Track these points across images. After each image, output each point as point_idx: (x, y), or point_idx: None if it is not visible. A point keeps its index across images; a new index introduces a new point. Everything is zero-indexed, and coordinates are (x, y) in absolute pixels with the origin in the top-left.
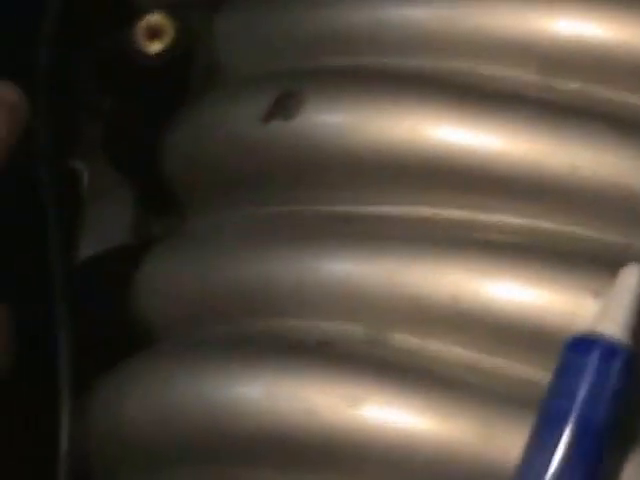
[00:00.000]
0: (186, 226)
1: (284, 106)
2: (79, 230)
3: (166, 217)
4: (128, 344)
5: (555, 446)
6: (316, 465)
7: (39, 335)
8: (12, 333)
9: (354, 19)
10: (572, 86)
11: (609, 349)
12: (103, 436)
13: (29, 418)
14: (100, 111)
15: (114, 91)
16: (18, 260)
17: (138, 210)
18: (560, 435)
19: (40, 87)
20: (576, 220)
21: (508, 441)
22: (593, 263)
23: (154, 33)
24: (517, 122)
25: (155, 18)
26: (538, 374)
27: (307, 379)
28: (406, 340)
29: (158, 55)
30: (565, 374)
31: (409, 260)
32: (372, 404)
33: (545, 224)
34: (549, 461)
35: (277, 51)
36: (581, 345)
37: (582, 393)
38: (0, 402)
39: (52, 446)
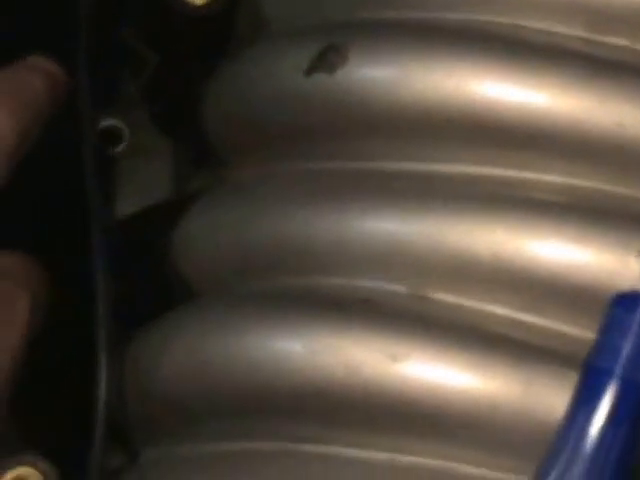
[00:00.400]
0: (227, 180)
1: (328, 59)
2: (119, 187)
3: (206, 172)
4: (167, 299)
5: (599, 403)
6: (356, 420)
7: (78, 290)
8: (49, 287)
9: None
10: (620, 43)
11: None
12: (141, 390)
13: (66, 372)
14: (141, 66)
15: (156, 45)
16: (58, 215)
17: (178, 166)
18: (604, 392)
19: (81, 43)
20: (621, 179)
21: (550, 397)
22: (637, 222)
23: None
24: (564, 79)
25: None
26: (580, 332)
27: (348, 335)
28: (447, 298)
29: (203, 6)
30: (610, 331)
31: (452, 218)
32: (413, 360)
33: (589, 183)
34: (592, 418)
35: (322, 4)
36: (626, 302)
37: (627, 350)
38: (38, 356)
39: (89, 399)
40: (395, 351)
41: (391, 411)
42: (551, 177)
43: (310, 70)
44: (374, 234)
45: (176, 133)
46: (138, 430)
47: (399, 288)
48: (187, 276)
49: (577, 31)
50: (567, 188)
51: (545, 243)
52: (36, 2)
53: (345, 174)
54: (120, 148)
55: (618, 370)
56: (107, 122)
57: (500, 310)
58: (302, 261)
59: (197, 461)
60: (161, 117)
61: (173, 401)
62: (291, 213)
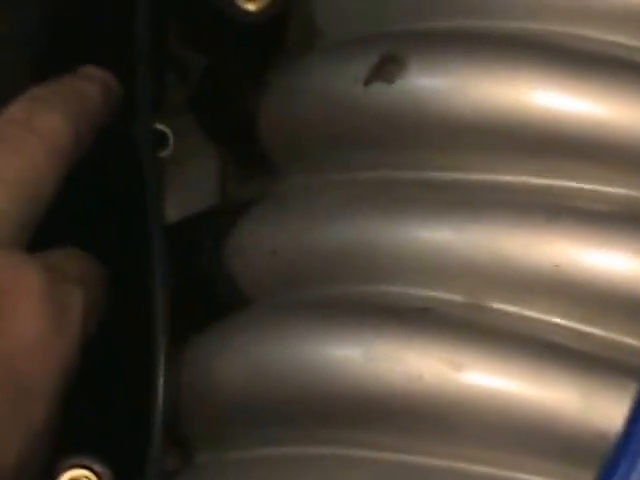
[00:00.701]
0: (280, 188)
1: (386, 69)
2: (165, 193)
3: (255, 179)
4: (222, 304)
5: None
6: (415, 427)
7: (135, 291)
8: (107, 287)
9: None
10: None
11: None
12: (198, 394)
13: (123, 374)
14: (188, 72)
15: (207, 50)
16: (116, 216)
17: (223, 173)
18: None
19: (139, 52)
20: None
21: (609, 408)
22: None
23: None
24: (623, 89)
25: None
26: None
27: (407, 343)
28: (507, 308)
29: (255, 12)
30: None
31: (510, 228)
32: (473, 369)
33: None
34: None
35: (377, 14)
36: None
37: None
38: (95, 357)
39: (146, 402)
40: (456, 360)
41: (452, 419)
42: (612, 189)
43: (369, 80)
44: (433, 243)
45: (225, 140)
46: (194, 434)
47: (458, 297)
48: (242, 283)
49: (633, 41)
50: (627, 199)
51: (606, 254)
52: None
53: (403, 184)
54: (165, 153)
55: None
56: (157, 127)
57: (560, 320)
58: (361, 270)
59: (251, 465)
60: (208, 124)
61: (229, 406)
62: (349, 222)
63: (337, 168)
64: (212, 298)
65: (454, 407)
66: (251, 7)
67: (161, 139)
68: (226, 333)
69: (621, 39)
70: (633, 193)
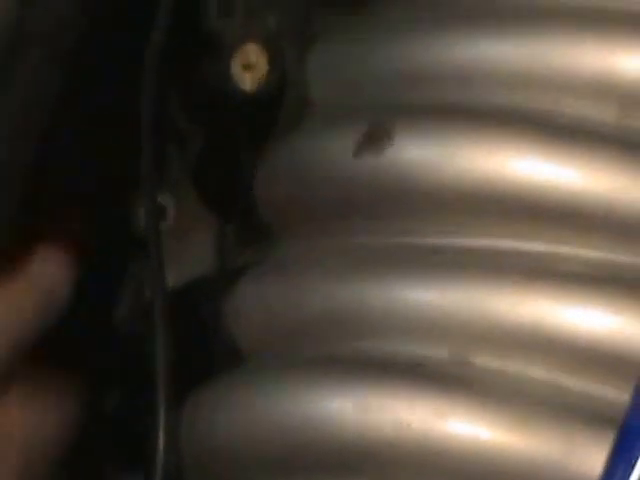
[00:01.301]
0: (276, 253)
1: (374, 141)
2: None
3: (251, 247)
4: (219, 363)
5: (634, 462)
6: (403, 473)
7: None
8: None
9: (442, 58)
10: None
11: None
12: (198, 448)
13: (125, 426)
14: (187, 144)
15: (205, 123)
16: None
17: (222, 240)
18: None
19: (145, 131)
20: None
21: (590, 458)
22: None
23: (248, 65)
24: (598, 159)
25: (249, 49)
26: (616, 394)
27: (396, 395)
28: (489, 362)
29: (251, 87)
30: None
31: (493, 289)
32: (458, 419)
33: (622, 257)
34: (629, 476)
35: (366, 86)
36: None
37: None
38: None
39: (148, 454)
40: (441, 410)
41: (437, 466)
42: (587, 251)
43: (358, 151)
44: (420, 304)
45: (223, 210)
46: None
47: (443, 353)
48: (238, 342)
49: (611, 113)
50: (602, 261)
51: (583, 312)
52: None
53: (391, 248)
54: (166, 224)
55: None
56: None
57: (541, 373)
58: (352, 328)
59: None
60: (207, 194)
61: (227, 457)
62: (342, 284)
63: (331, 234)
64: (210, 357)
65: (437, 454)
66: (246, 80)
67: (161, 211)
68: (223, 390)
69: (594, 112)
70: (606, 256)
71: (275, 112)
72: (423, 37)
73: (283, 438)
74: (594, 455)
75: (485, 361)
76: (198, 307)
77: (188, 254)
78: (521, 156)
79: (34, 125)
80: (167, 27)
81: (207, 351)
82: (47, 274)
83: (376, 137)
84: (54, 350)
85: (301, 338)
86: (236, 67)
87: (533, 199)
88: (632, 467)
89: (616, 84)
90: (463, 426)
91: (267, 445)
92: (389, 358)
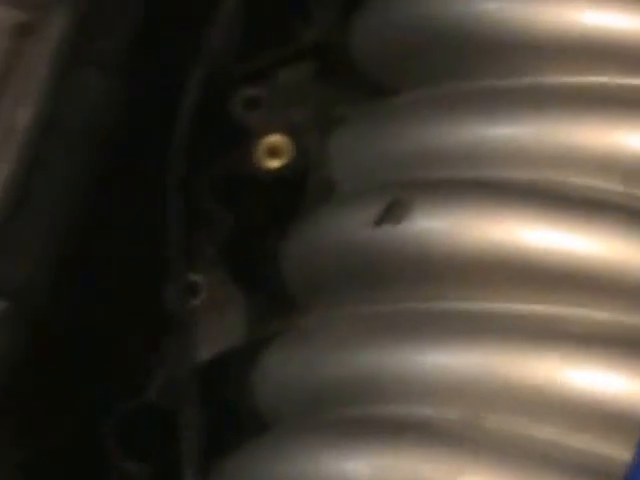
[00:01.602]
0: (301, 322)
1: (394, 213)
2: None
3: (278, 317)
4: (243, 431)
5: None
6: None
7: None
8: None
9: (453, 138)
10: None
11: None
12: None
13: None
14: (218, 227)
15: (232, 207)
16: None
17: (250, 314)
18: None
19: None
20: None
21: None
22: None
23: (273, 152)
24: (605, 228)
25: (275, 138)
26: (620, 452)
27: (409, 455)
28: (498, 422)
29: (277, 172)
30: None
31: (504, 352)
32: (470, 476)
33: (632, 318)
34: None
35: (384, 166)
36: None
37: None
38: None
39: None
40: (451, 469)
41: None
42: (597, 313)
43: (378, 222)
44: (431, 367)
45: (250, 284)
46: None
47: (454, 414)
48: (263, 408)
49: (616, 184)
50: (608, 323)
51: (590, 372)
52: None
53: (404, 314)
54: (197, 301)
55: None
56: (189, 278)
57: (548, 433)
58: (369, 391)
59: None
60: (237, 272)
61: None
62: (360, 350)
63: (352, 301)
64: (237, 425)
65: None
66: (272, 166)
67: (192, 289)
68: (248, 457)
69: (600, 183)
70: (612, 317)
71: (299, 194)
72: (436, 119)
73: None
74: None
75: (494, 421)
76: (225, 377)
77: (220, 328)
78: (530, 225)
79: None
80: (193, 117)
81: (235, 418)
82: None
83: (395, 210)
84: None
85: (319, 402)
86: (261, 154)
87: (543, 265)
88: None
89: (619, 158)
90: None
91: None
92: (401, 420)
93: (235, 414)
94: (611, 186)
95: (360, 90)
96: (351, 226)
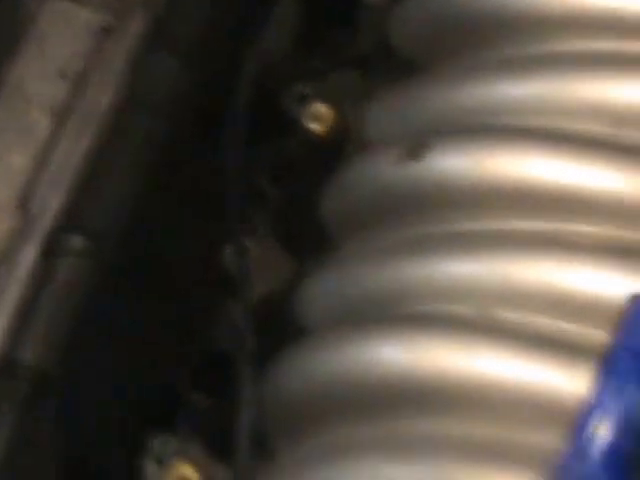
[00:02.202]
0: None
1: (415, 152)
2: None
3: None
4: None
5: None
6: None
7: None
8: None
9: (471, 97)
10: None
11: None
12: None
13: None
14: (270, 202)
15: (279, 183)
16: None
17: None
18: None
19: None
20: None
21: None
22: None
23: (317, 118)
24: (594, 158)
25: (317, 105)
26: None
27: (436, 342)
28: (509, 315)
29: (320, 137)
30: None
31: (509, 258)
32: (484, 356)
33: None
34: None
35: (409, 125)
36: None
37: None
38: None
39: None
40: (470, 350)
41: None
42: (586, 227)
43: (402, 159)
44: (449, 274)
45: (297, 249)
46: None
47: (470, 310)
48: (307, 327)
49: (605, 127)
50: (595, 235)
51: (579, 273)
52: None
53: (426, 235)
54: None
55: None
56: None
57: (545, 322)
58: (396, 297)
59: None
60: (287, 238)
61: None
62: (386, 266)
63: (380, 231)
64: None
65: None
66: (320, 128)
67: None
68: (300, 349)
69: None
70: (609, 233)
71: (339, 156)
72: (458, 84)
73: (352, 382)
74: None
75: (502, 314)
76: (277, 312)
77: (269, 283)
78: (530, 157)
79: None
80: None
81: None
82: None
83: (417, 149)
84: None
85: (356, 311)
86: (307, 120)
87: (541, 189)
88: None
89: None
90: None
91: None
92: (429, 315)
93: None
94: (602, 129)
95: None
96: (379, 165)
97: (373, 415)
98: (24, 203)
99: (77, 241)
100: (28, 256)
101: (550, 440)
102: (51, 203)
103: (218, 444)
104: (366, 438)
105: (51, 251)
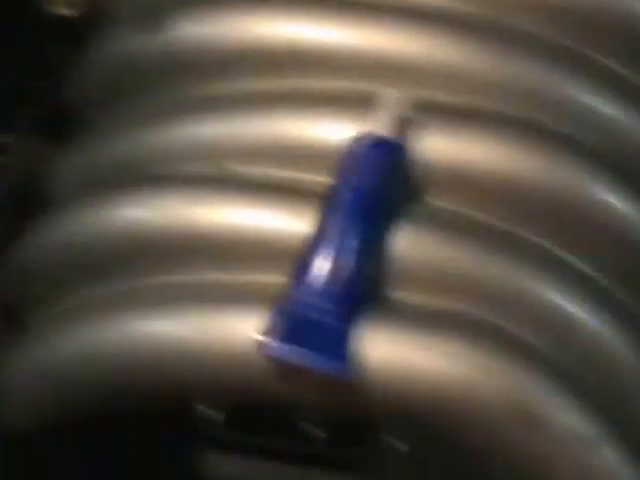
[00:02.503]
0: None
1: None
2: None
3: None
4: None
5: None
6: None
7: None
8: None
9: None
10: None
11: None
12: None
13: None
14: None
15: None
16: None
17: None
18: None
19: None
20: None
21: None
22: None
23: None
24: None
25: None
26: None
27: (175, 195)
28: (238, 168)
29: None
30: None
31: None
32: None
33: None
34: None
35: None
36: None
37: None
38: None
39: None
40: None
41: None
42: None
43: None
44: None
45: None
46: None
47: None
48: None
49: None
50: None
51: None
52: None
53: (170, 103)
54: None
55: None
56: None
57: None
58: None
59: None
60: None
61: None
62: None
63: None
64: None
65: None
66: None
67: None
68: (41, 222)
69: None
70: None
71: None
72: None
73: (91, 243)
74: None
75: (236, 168)
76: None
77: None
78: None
79: None
80: None
81: None
82: None
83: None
84: None
85: (105, 176)
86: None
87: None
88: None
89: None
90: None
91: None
92: (167, 176)
93: None
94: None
95: None
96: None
97: (113, 273)
98: None
99: None
100: None
101: (279, 278)
102: None
103: None
104: (111, 295)
105: None
